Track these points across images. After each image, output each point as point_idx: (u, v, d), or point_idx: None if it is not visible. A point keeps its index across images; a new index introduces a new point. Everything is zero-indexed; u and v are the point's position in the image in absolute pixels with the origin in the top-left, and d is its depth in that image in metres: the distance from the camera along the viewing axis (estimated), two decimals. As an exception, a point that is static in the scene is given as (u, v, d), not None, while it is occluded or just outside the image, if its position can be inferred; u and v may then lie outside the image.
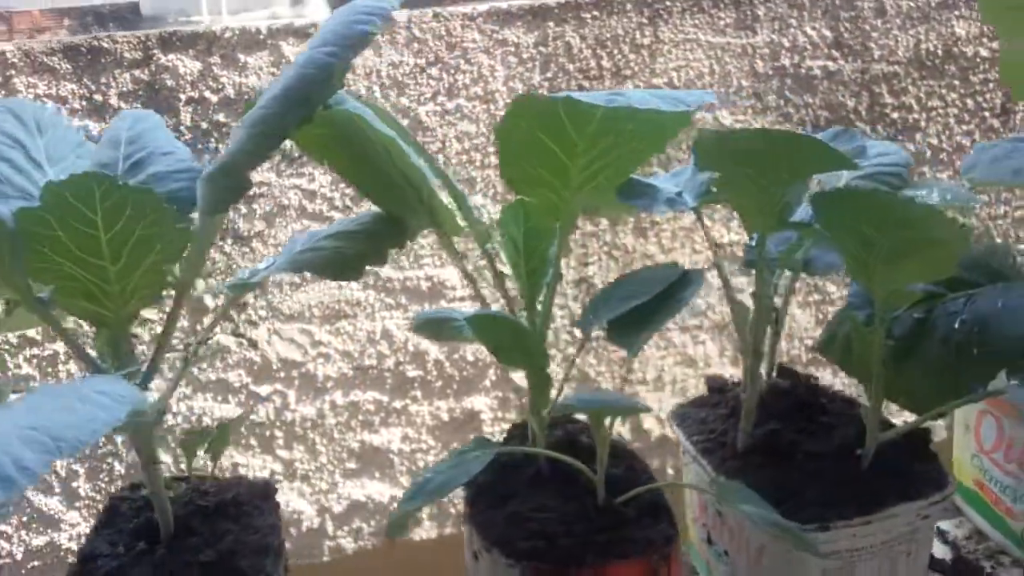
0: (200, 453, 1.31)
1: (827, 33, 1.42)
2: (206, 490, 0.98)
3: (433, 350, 1.37)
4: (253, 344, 1.30)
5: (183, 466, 1.01)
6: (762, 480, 0.95)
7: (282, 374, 1.33)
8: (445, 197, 0.97)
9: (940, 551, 1.26)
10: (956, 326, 0.91)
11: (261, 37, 1.22)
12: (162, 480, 0.89)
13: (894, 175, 0.98)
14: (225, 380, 1.31)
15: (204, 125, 1.23)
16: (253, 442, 1.33)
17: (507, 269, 1.02)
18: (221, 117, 1.23)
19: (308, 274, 1.31)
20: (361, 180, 0.99)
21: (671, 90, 0.81)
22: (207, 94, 1.22)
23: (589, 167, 0.84)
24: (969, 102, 1.50)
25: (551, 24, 1.31)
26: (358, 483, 1.38)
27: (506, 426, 1.43)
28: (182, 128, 1.22)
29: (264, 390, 1.32)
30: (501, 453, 1.00)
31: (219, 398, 1.31)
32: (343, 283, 1.32)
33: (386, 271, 1.33)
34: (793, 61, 1.42)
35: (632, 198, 0.96)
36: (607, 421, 0.92)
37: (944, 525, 1.30)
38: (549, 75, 1.33)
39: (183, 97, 1.21)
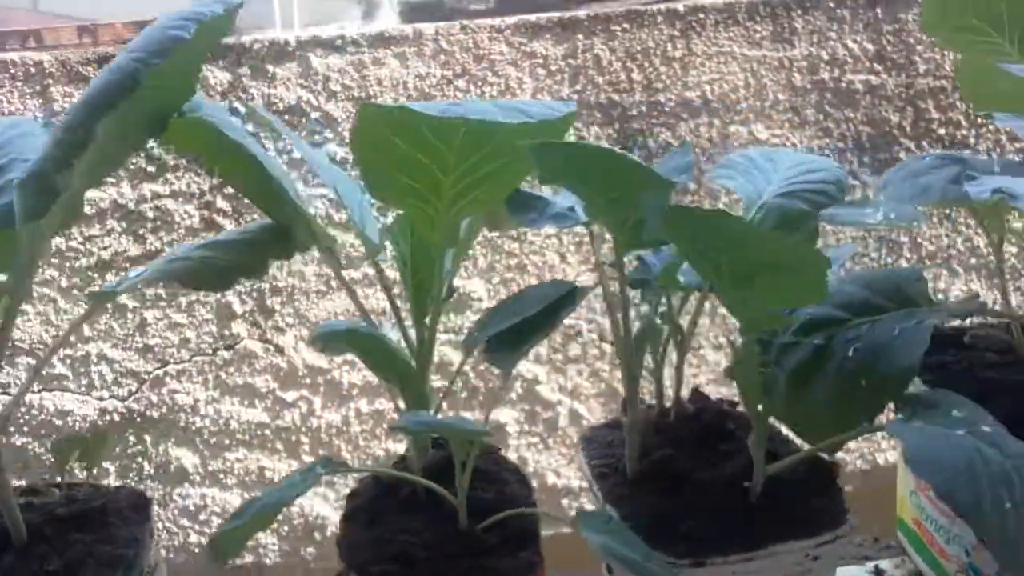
0: (228, 455, 1.35)
1: (869, 46, 1.38)
2: (75, 498, 0.95)
3: (458, 361, 1.37)
4: (279, 350, 1.32)
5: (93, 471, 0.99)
6: (643, 510, 0.90)
7: (308, 380, 1.34)
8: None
9: (876, 591, 1.21)
10: (850, 354, 0.86)
11: (290, 49, 1.24)
12: (9, 487, 0.87)
13: (819, 192, 0.92)
14: (252, 385, 1.33)
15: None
16: (279, 447, 1.35)
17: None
18: (250, 127, 1.25)
19: (335, 282, 1.33)
20: (247, 188, 0.96)
21: (522, 100, 0.77)
22: (236, 105, 1.25)
23: (462, 180, 0.80)
24: (1022, 118, 1.44)
25: (580, 36, 1.31)
26: (383, 491, 1.39)
27: (533, 440, 1.43)
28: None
29: (290, 396, 1.34)
30: (379, 474, 0.98)
31: (246, 402, 1.33)
32: (369, 293, 1.33)
33: (412, 281, 1.34)
34: (833, 75, 1.38)
35: (519, 212, 0.92)
36: (469, 444, 0.88)
37: (884, 564, 1.23)
38: (578, 87, 1.32)
39: (212, 107, 1.24)
